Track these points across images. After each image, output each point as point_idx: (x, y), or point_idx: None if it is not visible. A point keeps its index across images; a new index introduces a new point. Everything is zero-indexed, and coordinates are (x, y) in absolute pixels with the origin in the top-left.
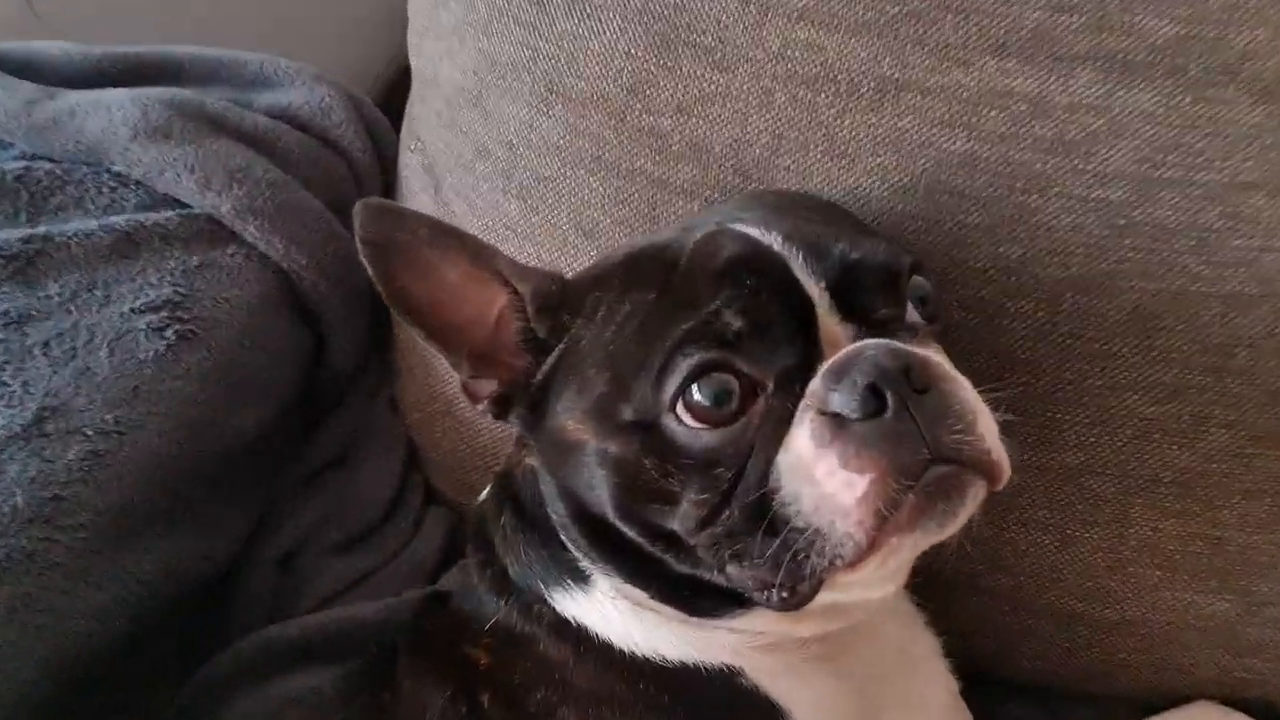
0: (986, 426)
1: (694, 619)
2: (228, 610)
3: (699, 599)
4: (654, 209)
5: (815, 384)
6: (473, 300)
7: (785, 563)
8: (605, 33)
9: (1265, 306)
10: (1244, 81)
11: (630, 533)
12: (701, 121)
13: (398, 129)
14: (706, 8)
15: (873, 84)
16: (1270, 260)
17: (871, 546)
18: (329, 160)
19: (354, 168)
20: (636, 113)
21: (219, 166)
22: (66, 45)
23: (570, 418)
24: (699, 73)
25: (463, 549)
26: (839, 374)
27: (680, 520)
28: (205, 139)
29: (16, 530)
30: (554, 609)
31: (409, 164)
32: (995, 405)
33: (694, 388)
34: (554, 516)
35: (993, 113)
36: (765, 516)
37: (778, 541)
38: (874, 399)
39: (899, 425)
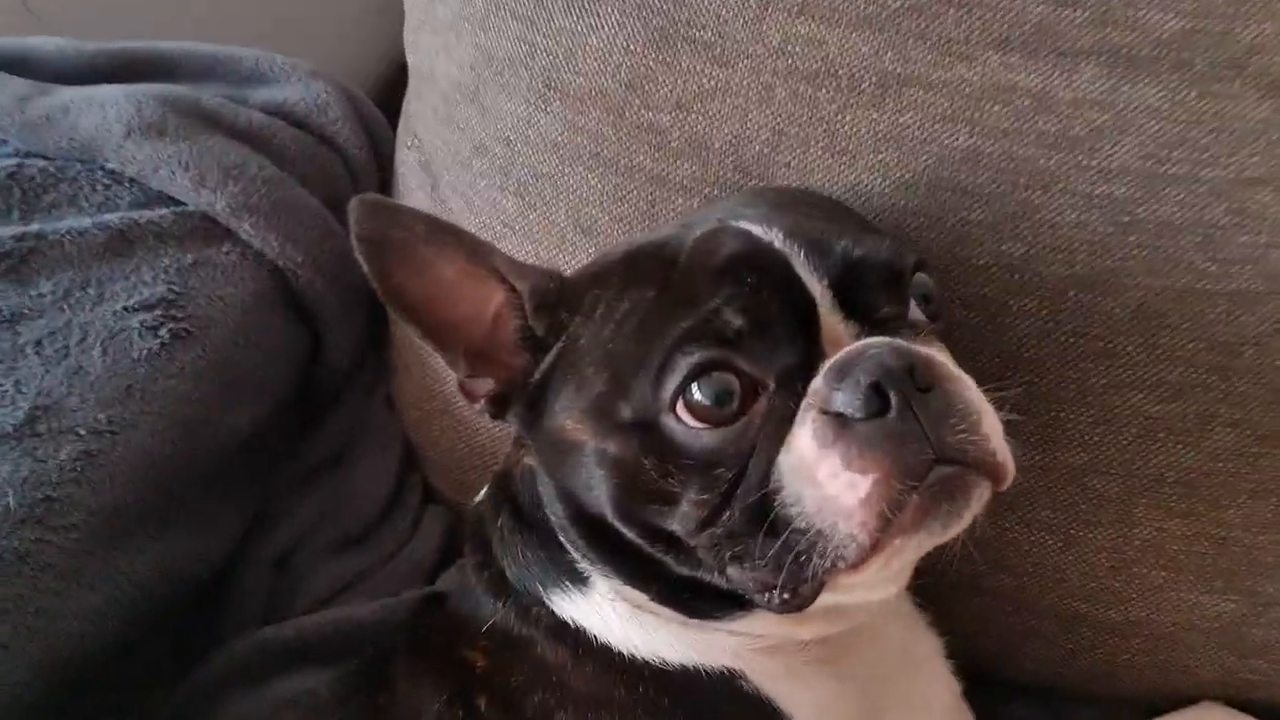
0: (991, 426)
1: (694, 621)
2: (222, 611)
3: (699, 601)
4: (653, 206)
5: (817, 383)
6: (469, 298)
7: (787, 564)
8: (603, 28)
9: (1272, 304)
10: (1250, 76)
11: (629, 534)
12: (701, 117)
13: (394, 125)
14: (706, 2)
15: (874, 79)
16: (1277, 256)
17: (874, 548)
18: (325, 157)
19: (350, 164)
20: (635, 109)
21: (214, 163)
22: (60, 41)
23: (568, 417)
24: (698, 68)
25: (461, 548)
26: (842, 373)
27: (680, 521)
28: (200, 136)
29: (8, 531)
30: (552, 611)
31: (405, 161)
32: (999, 404)
33: (694, 387)
34: (552, 517)
35: (996, 108)
36: (766, 517)
37: (779, 543)
38: (877, 398)
39: (903, 425)
